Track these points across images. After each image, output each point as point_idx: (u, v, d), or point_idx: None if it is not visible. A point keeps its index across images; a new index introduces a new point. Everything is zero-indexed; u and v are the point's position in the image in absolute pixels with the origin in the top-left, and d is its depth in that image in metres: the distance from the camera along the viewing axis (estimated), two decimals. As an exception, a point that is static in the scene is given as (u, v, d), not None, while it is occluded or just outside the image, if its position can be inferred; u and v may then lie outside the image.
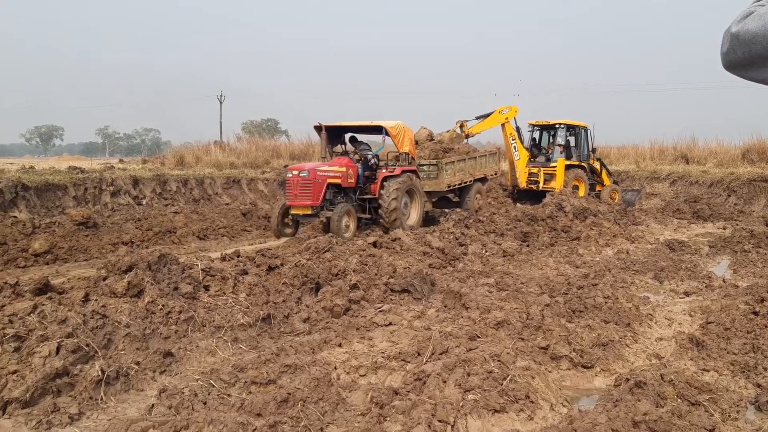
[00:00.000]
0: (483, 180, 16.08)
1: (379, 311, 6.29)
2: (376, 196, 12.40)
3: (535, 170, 17.92)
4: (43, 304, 4.67)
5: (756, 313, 5.85)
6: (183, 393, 3.99)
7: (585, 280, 7.54)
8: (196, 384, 4.17)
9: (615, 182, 20.08)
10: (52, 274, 7.98)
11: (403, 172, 12.74)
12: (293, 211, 11.99)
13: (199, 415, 3.55)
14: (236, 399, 3.93)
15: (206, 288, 5.94)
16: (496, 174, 17.35)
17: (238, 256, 7.18)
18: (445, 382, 4.05)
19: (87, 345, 4.37)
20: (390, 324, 5.94)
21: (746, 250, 10.46)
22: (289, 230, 12.38)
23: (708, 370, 4.78)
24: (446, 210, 15.09)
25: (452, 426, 3.60)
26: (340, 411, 3.84)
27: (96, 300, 5.03)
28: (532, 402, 3.88)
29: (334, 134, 13.51)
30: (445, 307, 6.56)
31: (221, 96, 57.45)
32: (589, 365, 4.89)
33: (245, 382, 4.20)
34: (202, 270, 6.07)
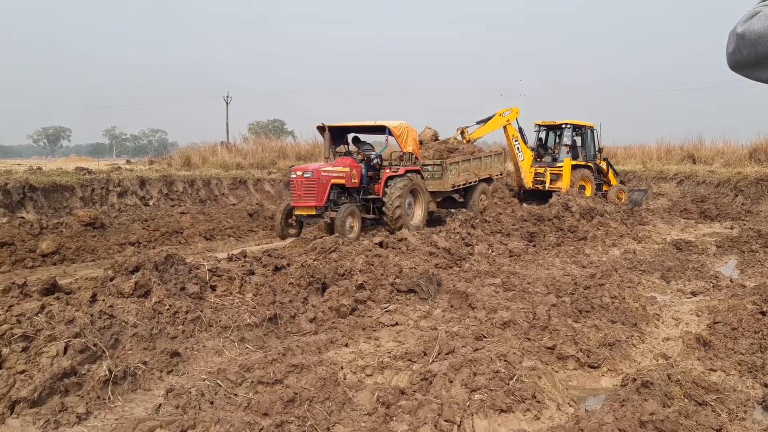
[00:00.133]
0: (488, 180, 16.03)
1: (386, 311, 6.29)
2: (380, 196, 12.40)
3: (541, 170, 17.86)
4: (51, 305, 4.70)
5: (763, 313, 5.82)
6: (190, 393, 4.01)
7: (592, 280, 7.52)
8: (203, 384, 4.18)
9: (622, 182, 20.01)
10: (59, 275, 8.02)
11: (407, 171, 12.73)
12: (297, 212, 11.99)
13: (206, 415, 3.57)
14: (243, 399, 3.94)
15: (213, 288, 5.96)
16: (501, 174, 17.30)
17: (244, 257, 7.20)
18: (451, 381, 4.05)
19: (94, 345, 4.39)
20: (396, 324, 5.95)
21: (753, 250, 10.41)
22: (293, 231, 12.38)
23: (715, 370, 4.76)
24: (452, 210, 15.07)
25: (459, 426, 3.60)
26: (347, 411, 3.84)
27: (103, 300, 5.06)
28: (539, 402, 3.88)
29: (337, 134, 13.49)
30: (452, 307, 6.55)
31: (227, 97, 57.53)
32: (596, 365, 4.88)
33: (252, 381, 4.21)
34: (209, 270, 6.09)
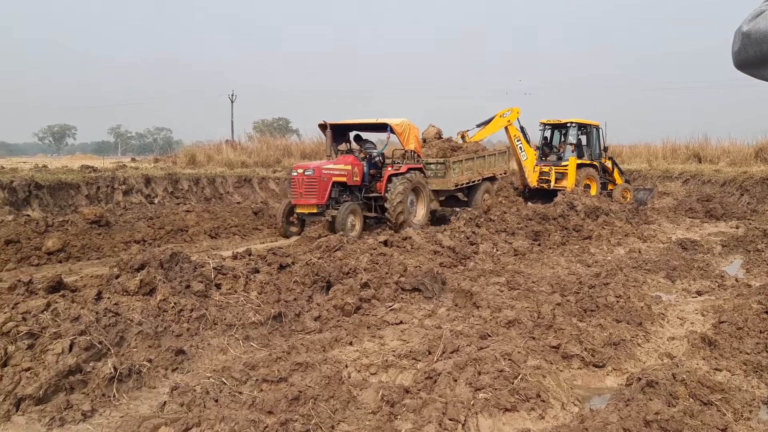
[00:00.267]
0: (492, 179, 15.99)
1: (390, 310, 6.29)
2: (382, 194, 12.38)
3: (546, 169, 17.84)
4: (56, 302, 4.72)
5: (769, 313, 5.81)
6: (195, 390, 4.01)
7: (596, 279, 7.51)
8: (208, 381, 4.19)
9: (627, 181, 19.97)
10: (65, 272, 8.05)
11: (409, 169, 12.71)
12: (298, 210, 11.98)
13: (211, 413, 3.57)
14: (248, 396, 3.95)
15: (218, 286, 5.97)
16: (505, 173, 17.26)
17: (249, 255, 7.21)
18: (455, 380, 4.05)
19: (100, 342, 4.41)
20: (401, 322, 5.95)
21: (759, 249, 10.37)
22: (294, 229, 12.38)
23: (720, 370, 4.74)
24: (457, 209, 15.05)
25: (463, 424, 3.60)
26: (351, 409, 3.85)
27: (108, 298, 5.07)
28: (543, 401, 3.87)
29: (338, 132, 13.47)
30: (456, 305, 6.55)
31: (233, 95, 57.75)
32: (601, 364, 4.87)
33: (256, 379, 4.22)
34: (214, 268, 6.10)
